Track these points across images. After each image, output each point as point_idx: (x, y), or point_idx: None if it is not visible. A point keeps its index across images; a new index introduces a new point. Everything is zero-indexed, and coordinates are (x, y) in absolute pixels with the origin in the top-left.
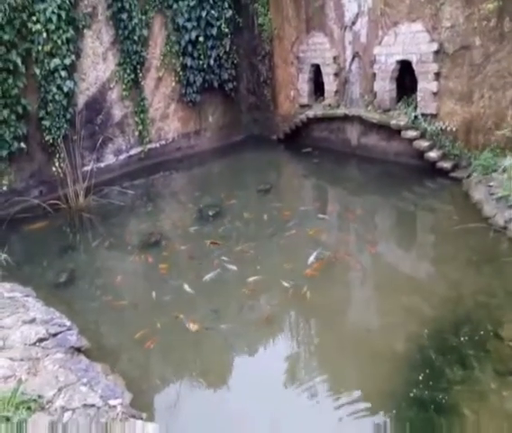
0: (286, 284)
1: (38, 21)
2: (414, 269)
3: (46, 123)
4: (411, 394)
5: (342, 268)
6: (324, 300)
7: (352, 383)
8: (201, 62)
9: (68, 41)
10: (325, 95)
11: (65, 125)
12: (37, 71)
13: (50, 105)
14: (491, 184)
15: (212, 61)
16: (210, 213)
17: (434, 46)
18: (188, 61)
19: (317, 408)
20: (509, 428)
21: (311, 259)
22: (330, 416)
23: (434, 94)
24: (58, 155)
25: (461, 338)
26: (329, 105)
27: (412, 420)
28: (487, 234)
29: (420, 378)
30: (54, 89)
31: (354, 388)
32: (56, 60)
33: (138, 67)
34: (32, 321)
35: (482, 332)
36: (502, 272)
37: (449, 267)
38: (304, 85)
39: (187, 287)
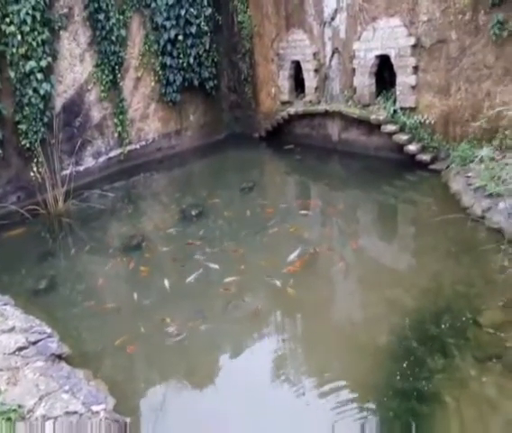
0: (269, 281)
1: (12, 22)
2: (395, 261)
3: (22, 126)
4: (394, 385)
5: (325, 263)
6: (307, 296)
7: (337, 375)
8: (181, 61)
9: (43, 42)
10: (306, 91)
11: (42, 129)
12: (12, 74)
13: (27, 108)
14: (469, 175)
15: (192, 60)
16: (193, 213)
17: (412, 40)
18: (168, 60)
19: (303, 400)
20: (489, 412)
21: (293, 256)
22: (315, 408)
23: (413, 87)
24: (35, 160)
25: (442, 327)
26: (310, 101)
27: (395, 410)
28: (465, 225)
29: (402, 368)
30: (30, 92)
31: (338, 380)
32: (31, 63)
33: (116, 67)
34: (11, 330)
35: (462, 320)
36: (480, 261)
37: (429, 258)
38: (284, 82)
39: (169, 288)
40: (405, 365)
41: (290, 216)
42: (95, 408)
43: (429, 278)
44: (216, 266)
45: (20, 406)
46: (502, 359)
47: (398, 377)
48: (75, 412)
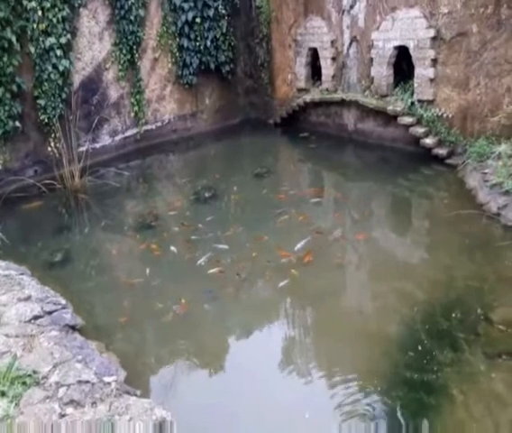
0: (278, 268)
1: None
2: (407, 253)
3: (41, 102)
4: (402, 375)
5: (335, 252)
6: (316, 284)
7: (344, 364)
8: (198, 44)
9: (63, 19)
10: (323, 79)
11: (60, 105)
12: (32, 50)
13: (46, 84)
14: (486, 171)
15: (209, 43)
16: (206, 195)
17: (432, 32)
18: (185, 42)
19: (310, 387)
20: (497, 408)
21: (301, 244)
22: (322, 395)
23: (431, 80)
24: (53, 135)
25: (452, 321)
26: (326, 89)
27: (402, 400)
28: (480, 221)
29: (411, 359)
30: (49, 68)
31: (346, 369)
32: (51, 39)
33: (134, 47)
34: (28, 299)
35: (473, 316)
36: (494, 258)
37: (442, 252)
38: (301, 69)
39: (180, 267)
40: (413, 356)
41: (302, 204)
42: (106, 379)
43: (441, 271)
44: (226, 247)
45: (35, 372)
46: None
47: (407, 368)
48: (87, 381)
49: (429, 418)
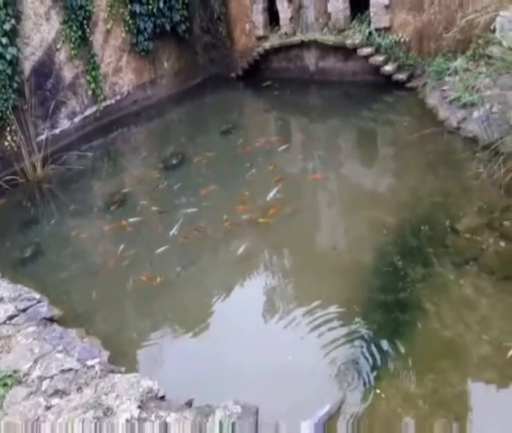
0: (252, 219)
1: None
2: (374, 183)
3: None
4: (377, 299)
5: (306, 195)
6: (289, 229)
7: (322, 300)
8: (150, 7)
9: (5, 4)
10: (281, 23)
11: (12, 96)
12: None
13: None
14: (444, 88)
15: (161, 4)
16: (174, 162)
17: None
18: (137, 8)
19: (292, 329)
20: (467, 312)
21: (272, 193)
22: (303, 335)
23: (387, 7)
24: (8, 128)
25: (421, 239)
26: (285, 33)
27: (378, 322)
28: (442, 138)
29: (384, 283)
30: None
31: (324, 304)
32: None
33: (84, 22)
34: (0, 300)
35: (440, 229)
36: (456, 171)
37: (407, 175)
38: (259, 16)
39: (154, 240)
40: (387, 279)
41: (271, 154)
42: (89, 362)
43: (408, 193)
44: (196, 210)
45: (15, 371)
46: (478, 261)
47: (381, 291)
48: (70, 369)
49: (405, 334)
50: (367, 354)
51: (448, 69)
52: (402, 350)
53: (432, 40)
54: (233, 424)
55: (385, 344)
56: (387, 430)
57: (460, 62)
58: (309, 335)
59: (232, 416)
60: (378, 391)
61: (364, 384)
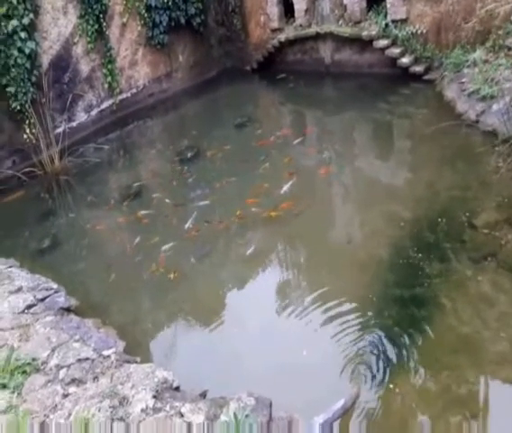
0: (266, 213)
1: None
2: (391, 176)
3: (11, 89)
4: (393, 294)
5: (322, 188)
6: (304, 223)
7: (337, 295)
8: (165, 0)
9: None
10: (296, 15)
11: (31, 89)
12: None
13: (13, 69)
14: (463, 80)
15: None
16: (188, 155)
17: None
18: (152, 1)
19: (306, 324)
20: (484, 308)
21: (287, 186)
22: (318, 329)
23: None
24: (27, 121)
25: (438, 234)
26: (300, 25)
27: (394, 317)
28: (460, 131)
29: (400, 278)
30: (15, 53)
31: (339, 299)
32: (13, 22)
33: (101, 16)
34: (19, 290)
35: (458, 224)
36: (475, 165)
37: (424, 169)
38: (273, 8)
39: (169, 232)
40: (403, 274)
41: (285, 147)
42: (105, 352)
43: (425, 187)
44: (211, 203)
45: (34, 359)
46: (497, 257)
47: (397, 286)
48: (87, 358)
49: (421, 329)
50: (382, 350)
51: (467, 60)
52: (418, 346)
53: (450, 31)
54: (247, 416)
55: (400, 339)
56: (401, 427)
57: (479, 54)
58: (324, 329)
59: (246, 408)
60: (392, 386)
61: (379, 380)
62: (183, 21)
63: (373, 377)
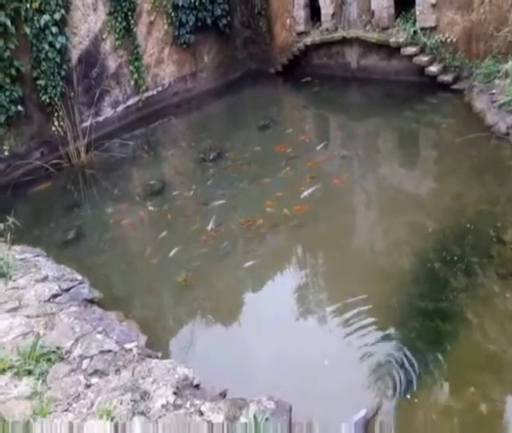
0: (287, 217)
1: None
2: (416, 186)
3: (41, 82)
4: (417, 306)
5: (345, 194)
6: (327, 228)
7: (359, 304)
8: (193, 0)
9: None
10: (322, 19)
11: (60, 83)
12: (27, 30)
13: (44, 63)
14: (493, 91)
15: None
16: (211, 156)
17: None
18: (180, 1)
19: (327, 332)
20: None
21: (308, 191)
22: (339, 339)
23: (433, 5)
24: (56, 114)
25: (465, 247)
26: (327, 29)
27: (418, 330)
28: (489, 143)
29: (424, 290)
30: (46, 47)
31: (361, 308)
32: (46, 17)
33: (129, 14)
34: (45, 279)
35: (485, 239)
36: (504, 179)
37: (451, 180)
38: (300, 11)
39: (191, 230)
40: (427, 287)
41: (308, 151)
42: (127, 345)
43: (452, 198)
44: (230, 203)
45: (58, 348)
46: None
47: (421, 298)
48: (109, 351)
49: (445, 344)
50: (405, 362)
51: (498, 71)
52: (442, 360)
53: (481, 40)
54: (267, 419)
55: (424, 352)
56: None
57: (511, 65)
58: (346, 339)
59: (265, 411)
60: (415, 400)
61: (401, 392)
62: (209, 21)
63: (395, 389)
